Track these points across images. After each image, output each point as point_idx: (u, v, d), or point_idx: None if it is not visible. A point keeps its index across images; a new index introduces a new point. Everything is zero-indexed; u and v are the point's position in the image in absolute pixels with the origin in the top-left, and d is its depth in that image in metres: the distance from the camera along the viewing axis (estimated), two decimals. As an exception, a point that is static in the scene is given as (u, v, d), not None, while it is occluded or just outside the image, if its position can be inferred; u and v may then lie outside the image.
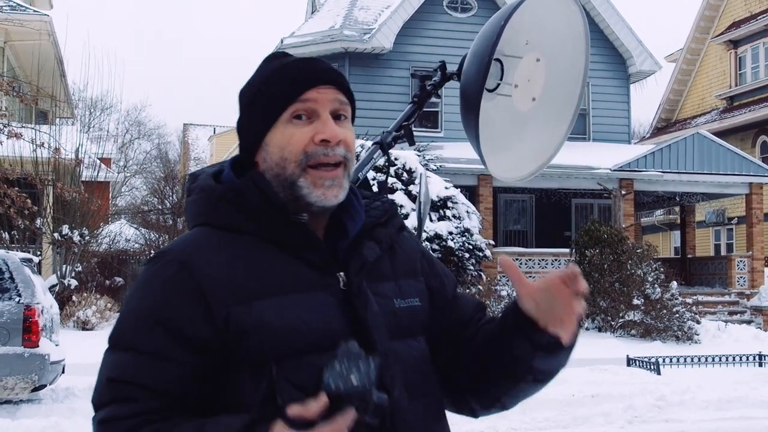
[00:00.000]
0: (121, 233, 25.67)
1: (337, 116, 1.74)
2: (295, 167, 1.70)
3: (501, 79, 3.31)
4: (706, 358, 15.12)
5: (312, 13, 29.74)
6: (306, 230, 1.71)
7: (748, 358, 15.39)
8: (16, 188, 13.82)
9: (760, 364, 15.25)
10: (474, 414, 1.92)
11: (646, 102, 53.38)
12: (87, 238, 19.92)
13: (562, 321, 1.69)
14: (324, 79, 1.75)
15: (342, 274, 1.71)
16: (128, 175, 45.75)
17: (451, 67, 3.56)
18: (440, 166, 21.40)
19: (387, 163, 3.86)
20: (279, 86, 1.74)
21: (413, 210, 17.95)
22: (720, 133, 30.12)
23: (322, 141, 1.70)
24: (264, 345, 1.59)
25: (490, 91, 3.28)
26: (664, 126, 38.69)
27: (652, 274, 19.05)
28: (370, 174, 3.37)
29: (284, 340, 1.60)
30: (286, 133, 1.71)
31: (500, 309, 17.92)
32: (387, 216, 1.87)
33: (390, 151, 3.55)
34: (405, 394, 1.68)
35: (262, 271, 1.66)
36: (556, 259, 22.77)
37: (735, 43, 34.67)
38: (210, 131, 62.01)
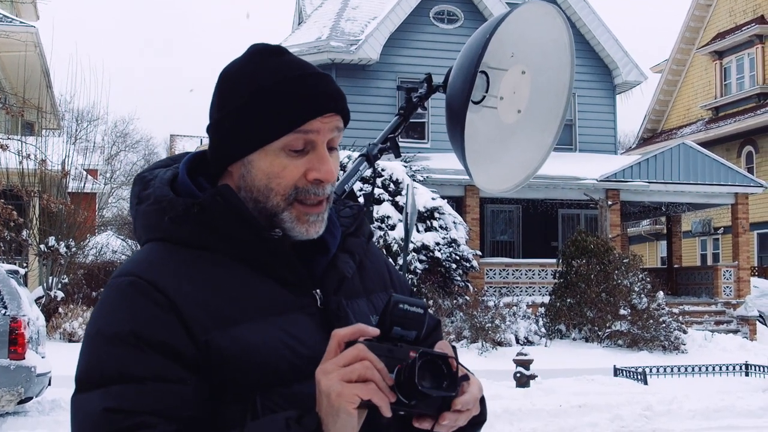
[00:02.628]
0: (108, 245, 25.63)
1: (330, 148, 1.59)
2: (281, 200, 1.55)
3: (487, 92, 3.32)
4: (693, 368, 15.17)
5: (299, 24, 29.79)
6: (280, 247, 1.54)
7: (734, 367, 15.45)
8: (2, 200, 13.77)
9: (747, 374, 15.31)
10: None
11: (632, 113, 53.53)
12: (73, 249, 19.85)
13: None
14: (332, 107, 1.58)
15: (318, 291, 1.57)
16: (115, 186, 45.61)
17: (438, 79, 3.57)
18: (427, 177, 21.43)
19: (374, 174, 3.85)
20: (282, 107, 1.53)
21: (400, 221, 17.97)
22: (705, 144, 30.31)
23: (316, 180, 1.55)
24: (246, 374, 1.44)
25: (475, 103, 3.29)
26: (650, 136, 38.89)
27: (639, 284, 19.12)
28: (357, 185, 3.39)
29: (267, 367, 1.45)
30: (276, 163, 1.54)
31: (488, 319, 18.01)
32: (356, 224, 1.71)
33: (377, 161, 3.56)
34: (394, 423, 1.45)
35: (235, 292, 1.49)
36: (542, 270, 22.81)
37: (720, 54, 34.91)
38: (197, 142, 61.89)
